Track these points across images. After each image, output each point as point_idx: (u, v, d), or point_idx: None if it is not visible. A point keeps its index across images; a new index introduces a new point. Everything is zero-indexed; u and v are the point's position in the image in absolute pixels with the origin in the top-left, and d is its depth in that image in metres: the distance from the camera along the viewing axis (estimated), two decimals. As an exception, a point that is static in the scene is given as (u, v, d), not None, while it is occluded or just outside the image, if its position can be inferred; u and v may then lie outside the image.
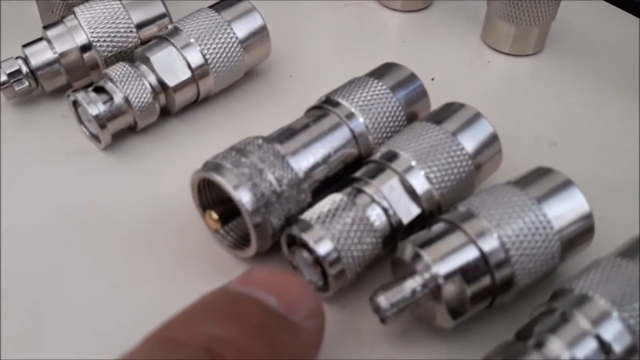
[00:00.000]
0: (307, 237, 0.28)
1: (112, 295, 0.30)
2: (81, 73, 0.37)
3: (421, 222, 0.29)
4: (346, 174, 0.31)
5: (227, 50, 0.37)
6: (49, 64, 0.37)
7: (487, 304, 0.28)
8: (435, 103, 0.34)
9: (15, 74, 0.36)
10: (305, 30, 0.45)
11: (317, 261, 0.28)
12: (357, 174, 0.30)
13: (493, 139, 0.31)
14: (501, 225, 0.27)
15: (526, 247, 0.27)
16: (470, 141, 0.31)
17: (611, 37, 0.45)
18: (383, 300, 0.26)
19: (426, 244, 0.27)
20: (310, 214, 0.29)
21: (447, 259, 0.26)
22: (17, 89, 0.36)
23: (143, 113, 0.35)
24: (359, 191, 0.29)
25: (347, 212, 0.28)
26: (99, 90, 0.35)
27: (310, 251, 0.28)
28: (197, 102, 0.38)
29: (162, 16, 0.38)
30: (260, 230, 0.29)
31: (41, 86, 0.37)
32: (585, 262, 0.28)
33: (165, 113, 0.37)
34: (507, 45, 0.43)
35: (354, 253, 0.28)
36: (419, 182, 0.29)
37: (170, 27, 0.37)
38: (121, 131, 0.36)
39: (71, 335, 0.28)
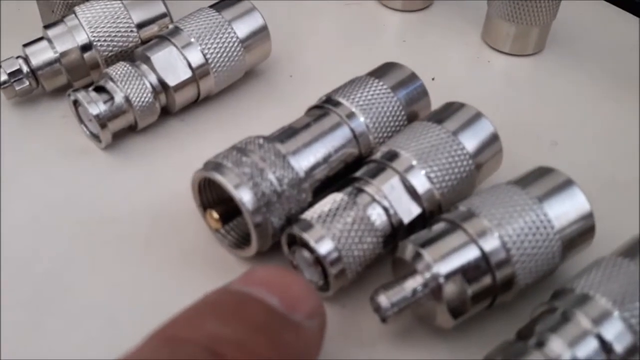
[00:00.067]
0: (308, 237, 0.28)
1: (112, 294, 0.30)
2: (82, 72, 0.37)
3: (422, 221, 0.29)
4: (347, 174, 0.31)
5: (227, 49, 0.37)
6: (50, 63, 0.37)
7: (488, 304, 0.28)
8: (436, 103, 0.34)
9: (15, 74, 0.36)
10: (305, 29, 0.45)
11: (318, 261, 0.28)
12: (358, 174, 0.30)
13: (494, 138, 0.31)
14: (502, 224, 0.27)
15: (527, 246, 0.27)
16: (470, 141, 0.31)
17: (611, 37, 0.45)
18: (384, 299, 0.26)
19: (427, 243, 0.27)
20: (310, 214, 0.29)
21: (448, 259, 0.26)
22: (17, 88, 0.36)
23: (143, 113, 0.35)
24: (360, 191, 0.29)
25: (348, 211, 0.28)
26: (100, 89, 0.35)
27: (311, 251, 0.28)
28: (198, 102, 0.38)
29: (163, 16, 0.38)
30: (261, 230, 0.29)
31: (41, 86, 0.37)
32: (586, 262, 0.28)
33: (166, 113, 0.37)
34: (508, 45, 0.43)
35: (354, 252, 0.28)
36: (420, 182, 0.29)
37: (170, 26, 0.37)
38: (121, 131, 0.36)
39: (72, 335, 0.28)
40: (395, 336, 0.29)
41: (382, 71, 0.34)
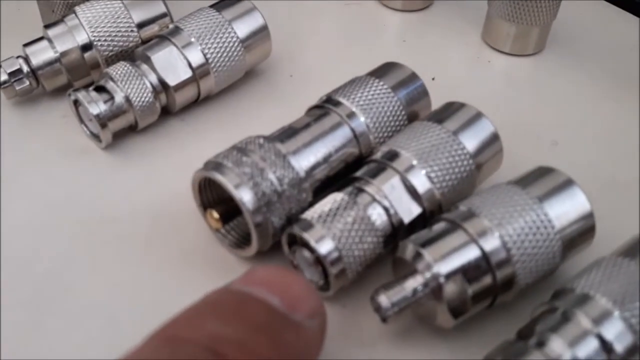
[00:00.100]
0: (308, 236, 0.28)
1: (112, 294, 0.30)
2: (82, 72, 0.37)
3: (422, 221, 0.29)
4: (347, 174, 0.31)
5: (227, 49, 0.37)
6: (50, 63, 0.37)
7: (488, 304, 0.28)
8: (436, 102, 0.34)
9: (16, 73, 0.36)
10: (306, 29, 0.45)
11: (318, 260, 0.28)
12: (358, 173, 0.30)
13: (494, 138, 0.31)
14: (502, 224, 0.27)
15: (527, 246, 0.27)
16: (471, 140, 0.31)
17: (612, 37, 0.45)
18: (384, 299, 0.26)
19: (427, 243, 0.27)
20: (311, 213, 0.29)
21: (449, 258, 0.26)
22: (17, 88, 0.36)
23: (144, 112, 0.35)
24: (360, 190, 0.29)
25: (348, 211, 0.28)
26: (100, 89, 0.35)
27: (311, 250, 0.28)
28: (198, 102, 0.38)
29: (163, 15, 0.38)
30: (261, 230, 0.29)
31: (42, 85, 0.37)
32: (586, 262, 0.28)
33: (166, 112, 0.37)
34: (508, 45, 0.43)
35: (355, 252, 0.28)
36: (420, 182, 0.29)
37: (171, 26, 0.37)
38: (122, 130, 0.36)
39: (72, 335, 0.28)
40: (396, 336, 0.29)
41: (383, 71, 0.34)
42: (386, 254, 0.29)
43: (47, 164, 0.35)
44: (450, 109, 0.32)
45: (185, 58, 0.36)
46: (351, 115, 0.32)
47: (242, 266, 0.31)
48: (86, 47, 0.37)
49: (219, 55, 0.37)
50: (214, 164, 0.29)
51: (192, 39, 0.36)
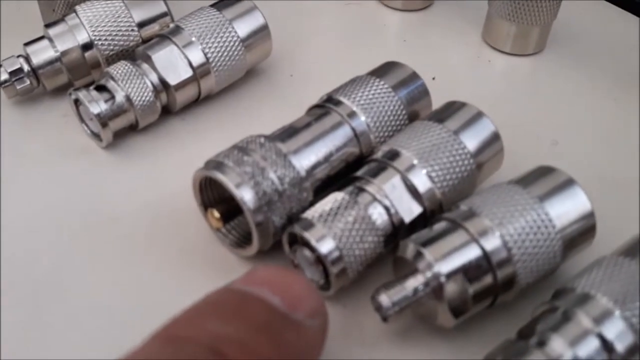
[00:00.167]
0: (309, 236, 0.28)
1: (112, 294, 0.30)
2: (82, 72, 0.37)
3: (423, 221, 0.29)
4: (348, 173, 0.31)
5: (228, 49, 0.37)
6: (51, 62, 0.37)
7: (489, 303, 0.28)
8: (436, 102, 0.34)
9: (16, 73, 0.36)
10: (306, 29, 0.45)
11: (319, 260, 0.28)
12: (359, 173, 0.30)
13: (495, 138, 0.31)
14: (503, 224, 0.27)
15: (528, 245, 0.27)
16: (472, 140, 0.31)
17: (612, 36, 0.45)
18: (385, 298, 0.26)
19: (428, 242, 0.27)
20: (312, 213, 0.29)
21: (449, 258, 0.26)
22: (18, 87, 0.36)
23: (144, 112, 0.35)
24: (361, 190, 0.29)
25: (349, 210, 0.28)
26: (101, 88, 0.35)
27: (312, 250, 0.28)
28: (199, 101, 0.38)
29: (164, 15, 0.38)
30: (262, 229, 0.29)
31: (42, 85, 0.37)
32: (587, 261, 0.28)
33: (167, 112, 0.37)
34: (508, 45, 0.43)
35: (355, 252, 0.28)
36: (421, 181, 0.29)
37: (171, 25, 0.37)
38: (122, 130, 0.36)
39: (73, 335, 0.28)
40: (396, 335, 0.29)
41: (383, 70, 0.34)
42: (387, 254, 0.29)
43: (48, 164, 0.35)
44: (451, 109, 0.32)
45: (186, 57, 0.36)
46: (352, 114, 0.32)
47: (242, 266, 0.31)
48: (87, 47, 0.37)
49: (220, 54, 0.37)
50: (215, 163, 0.29)
51: (193, 39, 0.36)
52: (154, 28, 0.38)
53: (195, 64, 0.36)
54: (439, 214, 0.29)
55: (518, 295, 0.28)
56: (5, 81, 0.36)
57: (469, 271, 0.26)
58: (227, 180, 0.28)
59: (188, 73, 0.36)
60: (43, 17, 0.41)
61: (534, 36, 0.42)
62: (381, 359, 0.28)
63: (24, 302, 0.29)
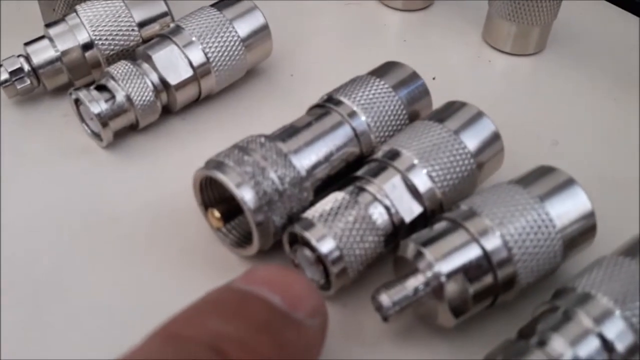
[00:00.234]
0: (310, 236, 0.28)
1: (112, 294, 0.30)
2: (83, 71, 0.37)
3: (423, 220, 0.29)
4: (348, 173, 0.31)
5: (228, 48, 0.37)
6: (51, 62, 0.37)
7: (490, 303, 0.28)
8: (437, 102, 0.34)
9: (16, 72, 0.36)
10: (306, 29, 0.45)
11: (319, 259, 0.28)
12: (359, 173, 0.30)
13: (495, 137, 0.31)
14: (504, 223, 0.27)
15: (528, 245, 0.27)
16: (472, 140, 0.31)
17: (612, 36, 0.45)
18: (385, 298, 0.26)
19: (428, 242, 0.27)
20: (312, 213, 0.29)
21: (450, 258, 0.26)
22: (18, 87, 0.36)
23: (145, 111, 0.35)
24: (361, 190, 0.29)
25: (350, 210, 0.28)
26: (101, 88, 0.35)
27: (313, 249, 0.28)
28: (199, 101, 0.38)
29: (164, 14, 0.38)
30: (263, 229, 0.29)
31: (43, 84, 0.37)
32: (587, 261, 0.28)
33: (167, 112, 0.37)
34: (508, 45, 0.43)
35: (356, 251, 0.28)
36: (421, 181, 0.29)
37: (172, 25, 0.37)
38: (123, 129, 0.36)
39: (73, 335, 0.28)
40: (397, 335, 0.29)
41: (384, 70, 0.34)
42: (387, 253, 0.29)
43: (48, 163, 0.35)
44: (451, 108, 0.32)
45: (186, 57, 0.36)
46: (352, 114, 0.32)
47: (243, 265, 0.31)
48: (87, 46, 0.37)
49: (220, 54, 0.37)
50: (215, 163, 0.29)
51: (193, 38, 0.36)
52: (155, 28, 0.38)
53: (195, 63, 0.36)
54: (440, 213, 0.29)
55: (518, 295, 0.28)
56: (6, 81, 0.36)
57: (469, 271, 0.26)
58: (228, 180, 0.28)
59: (188, 73, 0.36)
60: (43, 17, 0.41)
61: (534, 36, 0.42)
62: (381, 359, 0.28)
63: (24, 302, 0.29)
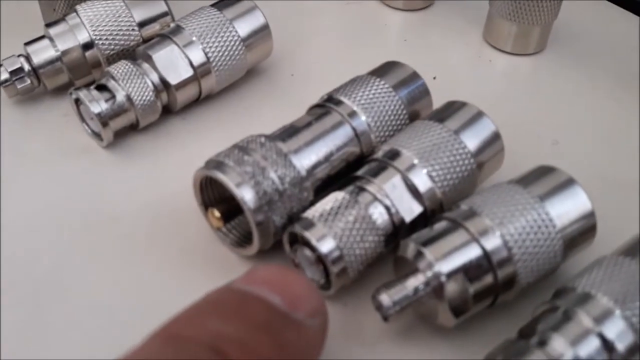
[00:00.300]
0: (310, 235, 0.28)
1: (112, 294, 0.30)
2: (83, 71, 0.37)
3: (423, 220, 0.29)
4: (348, 173, 0.31)
5: (229, 48, 0.37)
6: (51, 62, 0.37)
7: (490, 302, 0.28)
8: (437, 102, 0.34)
9: (17, 72, 0.36)
10: (307, 28, 0.45)
11: (320, 259, 0.28)
12: (359, 173, 0.30)
13: (495, 137, 0.31)
14: (504, 223, 0.27)
15: (529, 245, 0.27)
16: (472, 140, 0.31)
17: (613, 36, 0.45)
18: (385, 298, 0.26)
19: (429, 242, 0.27)
20: (312, 212, 0.29)
21: (450, 257, 0.26)
22: (19, 87, 0.36)
23: (145, 111, 0.35)
24: (361, 189, 0.29)
25: (350, 210, 0.28)
26: (101, 88, 0.35)
27: (313, 249, 0.28)
28: (199, 101, 0.38)
29: (164, 14, 0.38)
30: (263, 229, 0.29)
31: (43, 84, 0.37)
32: (587, 261, 0.28)
33: (167, 111, 0.37)
34: (509, 44, 0.43)
35: (356, 251, 0.28)
36: (422, 181, 0.29)
37: (172, 25, 0.37)
38: (123, 129, 0.36)
39: (73, 335, 0.28)
40: (397, 335, 0.29)
41: (384, 70, 0.34)
42: (387, 253, 0.29)
43: (48, 163, 0.35)
44: (451, 108, 0.32)
45: (187, 57, 0.36)
46: (352, 114, 0.32)
47: (243, 265, 0.31)
48: (87, 46, 0.37)
49: (220, 54, 0.37)
50: (215, 163, 0.29)
51: (194, 38, 0.36)
52: (155, 27, 0.38)
53: (195, 63, 0.36)
54: (440, 213, 0.29)
55: (518, 295, 0.28)
56: (6, 80, 0.36)
57: (469, 271, 0.26)
58: (228, 179, 0.28)
59: (189, 72, 0.36)
60: (44, 17, 0.41)
61: (534, 36, 0.42)
62: (381, 359, 0.28)
63: (24, 302, 0.29)
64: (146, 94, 0.35)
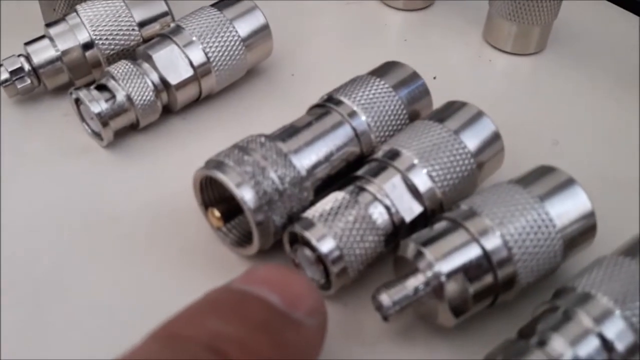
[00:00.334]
0: (310, 235, 0.28)
1: (112, 294, 0.30)
2: (83, 71, 0.37)
3: (423, 220, 0.29)
4: (348, 172, 0.31)
5: (229, 48, 0.37)
6: (51, 61, 0.37)
7: (490, 302, 0.28)
8: (437, 102, 0.34)
9: (17, 72, 0.36)
10: (307, 28, 0.45)
11: (320, 259, 0.28)
12: (360, 172, 0.30)
13: (495, 137, 0.31)
14: (504, 223, 0.27)
15: (529, 245, 0.27)
16: (472, 140, 0.31)
17: (613, 36, 0.45)
18: (385, 298, 0.26)
19: (429, 242, 0.27)
20: (312, 212, 0.29)
21: (450, 257, 0.26)
22: (19, 86, 0.36)
23: (145, 111, 0.35)
24: (362, 189, 0.29)
25: (350, 210, 0.28)
26: (101, 88, 0.35)
27: (313, 249, 0.28)
28: (199, 101, 0.38)
29: (164, 14, 0.38)
30: (263, 228, 0.29)
31: (43, 84, 0.37)
32: (587, 261, 0.28)
33: (167, 111, 0.37)
34: (509, 44, 0.43)
35: (356, 251, 0.28)
36: (422, 181, 0.29)
37: (172, 25, 0.37)
38: (123, 129, 0.36)
39: (73, 335, 0.28)
40: (397, 335, 0.29)
41: (384, 70, 0.34)
42: (387, 253, 0.29)
43: (48, 163, 0.35)
44: (451, 108, 0.32)
45: (187, 57, 0.36)
46: (352, 114, 0.32)
47: (243, 265, 0.31)
48: (87, 46, 0.37)
49: (220, 54, 0.37)
50: (215, 163, 0.29)
51: (194, 38, 0.36)
52: (155, 27, 0.38)
53: (196, 63, 0.36)
54: (440, 213, 0.29)
55: (518, 295, 0.28)
56: (6, 80, 0.36)
57: (469, 271, 0.26)
58: (228, 179, 0.28)
59: (189, 72, 0.36)
60: (44, 17, 0.41)
61: (534, 36, 0.42)
62: (381, 359, 0.28)
63: (24, 302, 0.29)
64: (146, 93, 0.35)
